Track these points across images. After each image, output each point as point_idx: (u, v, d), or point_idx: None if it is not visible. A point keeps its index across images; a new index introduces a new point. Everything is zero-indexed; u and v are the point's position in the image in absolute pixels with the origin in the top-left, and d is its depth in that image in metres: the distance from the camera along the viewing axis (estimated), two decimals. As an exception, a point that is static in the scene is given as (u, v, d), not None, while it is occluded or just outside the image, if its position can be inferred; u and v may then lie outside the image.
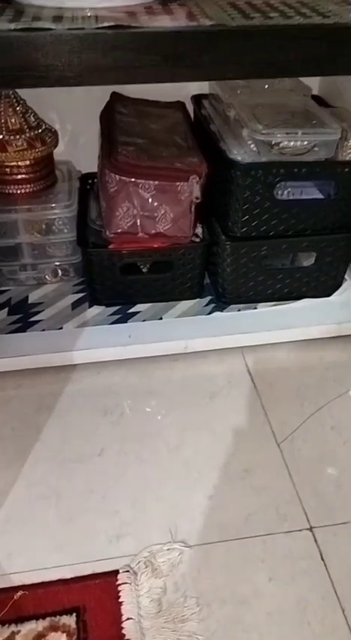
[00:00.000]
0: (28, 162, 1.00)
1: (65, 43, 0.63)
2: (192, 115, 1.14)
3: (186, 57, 0.66)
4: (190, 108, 1.15)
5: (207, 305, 1.07)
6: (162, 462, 0.84)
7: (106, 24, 0.64)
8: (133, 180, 0.91)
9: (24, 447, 0.85)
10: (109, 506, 0.78)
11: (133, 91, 1.14)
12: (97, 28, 0.64)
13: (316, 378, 0.98)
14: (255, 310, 1.06)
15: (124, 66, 0.65)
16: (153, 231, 0.97)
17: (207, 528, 0.76)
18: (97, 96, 1.09)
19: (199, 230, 1.05)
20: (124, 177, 0.90)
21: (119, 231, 0.96)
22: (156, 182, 0.91)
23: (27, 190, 1.03)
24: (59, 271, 1.11)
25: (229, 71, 0.68)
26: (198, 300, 1.08)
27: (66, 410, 0.91)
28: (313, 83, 1.17)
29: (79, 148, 1.17)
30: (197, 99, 1.13)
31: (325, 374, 0.99)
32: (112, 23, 0.64)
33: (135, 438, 0.87)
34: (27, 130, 0.98)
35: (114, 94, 1.11)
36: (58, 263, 1.10)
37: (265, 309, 1.06)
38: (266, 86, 1.08)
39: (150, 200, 0.93)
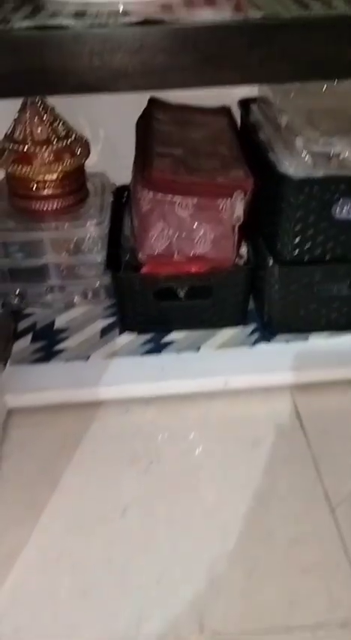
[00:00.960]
0: (55, 177, 0.91)
1: (84, 43, 0.52)
2: (239, 121, 1.03)
3: (231, 56, 0.55)
4: (237, 114, 1.03)
5: (251, 334, 0.95)
6: (195, 527, 0.72)
7: (133, 19, 0.54)
8: (168, 197, 0.80)
9: (39, 499, 0.76)
10: (130, 579, 0.67)
11: (174, 95, 1.03)
12: (123, 25, 0.53)
13: (377, 426, 0.84)
14: (306, 342, 0.93)
15: (155, 69, 0.54)
16: (191, 254, 0.86)
17: (244, 615, 0.64)
18: (135, 100, 0.99)
19: (243, 250, 0.93)
20: (158, 194, 0.80)
21: (153, 253, 0.86)
22: (195, 200, 0.80)
23: (54, 207, 0.94)
24: (89, 293, 1.02)
25: (283, 73, 0.56)
26: (241, 328, 0.96)
27: (88, 456, 0.81)
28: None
29: (114, 158, 1.07)
30: (245, 104, 1.02)
31: None
32: (139, 19, 0.53)
33: (165, 495, 0.76)
34: (55, 141, 0.89)
35: (152, 100, 1.00)
36: (87, 284, 1.00)
37: (318, 341, 0.93)
38: (324, 88, 0.95)
39: (188, 219, 0.82)
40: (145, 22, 0.54)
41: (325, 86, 0.95)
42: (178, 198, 0.80)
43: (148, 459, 0.81)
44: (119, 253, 0.95)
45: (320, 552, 0.69)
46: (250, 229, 0.94)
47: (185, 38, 0.54)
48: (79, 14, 0.57)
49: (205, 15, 0.56)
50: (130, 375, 0.89)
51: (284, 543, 0.70)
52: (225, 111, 1.02)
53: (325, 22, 0.55)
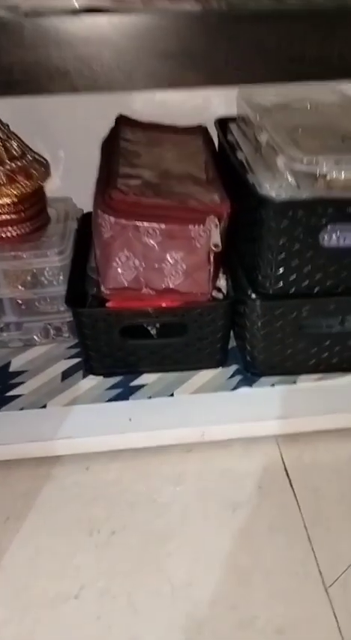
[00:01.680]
0: (9, 201, 0.81)
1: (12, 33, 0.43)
2: (216, 142, 0.94)
3: (192, 52, 0.46)
4: (215, 134, 0.95)
5: (232, 377, 0.84)
6: (162, 612, 0.60)
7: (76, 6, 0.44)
8: (132, 223, 0.70)
9: (-23, 579, 0.63)
10: None
11: (145, 113, 0.94)
12: (63, 12, 0.44)
13: (376, 484, 0.73)
14: (294, 385, 0.82)
15: (100, 68, 0.45)
16: (161, 287, 0.75)
17: None
18: (102, 118, 0.90)
19: (222, 283, 0.83)
20: (120, 220, 0.70)
21: (117, 286, 0.75)
22: (163, 225, 0.70)
23: (9, 234, 0.84)
24: (51, 330, 0.91)
25: (254, 72, 0.47)
26: (220, 370, 0.85)
27: (40, 523, 0.69)
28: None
29: (81, 182, 0.97)
30: (223, 123, 0.93)
31: None
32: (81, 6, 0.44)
33: (128, 571, 0.64)
34: (8, 161, 0.79)
35: (120, 118, 0.92)
36: (49, 321, 0.90)
37: (307, 385, 0.82)
38: (309, 105, 0.87)
39: (156, 248, 0.72)
40: (90, 11, 0.45)
41: (309, 104, 0.87)
42: (143, 224, 0.70)
43: (110, 528, 0.69)
44: (84, 286, 0.85)
45: (313, 646, 0.57)
46: (229, 259, 0.84)
47: (137, 30, 0.45)
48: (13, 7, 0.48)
49: (162, 4, 0.47)
50: (93, 426, 0.77)
51: (270, 633, 0.58)
52: (200, 130, 0.93)
53: (301, 13, 0.46)
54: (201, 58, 0.46)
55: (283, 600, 0.61)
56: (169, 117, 0.94)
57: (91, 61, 0.46)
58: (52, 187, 0.95)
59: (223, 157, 0.87)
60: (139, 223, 0.70)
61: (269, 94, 0.88)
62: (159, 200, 0.71)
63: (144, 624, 0.59)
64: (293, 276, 0.73)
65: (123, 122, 0.91)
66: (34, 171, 0.82)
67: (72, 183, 0.98)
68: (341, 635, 0.58)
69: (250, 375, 0.84)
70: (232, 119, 0.93)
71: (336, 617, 0.59)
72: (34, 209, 0.85)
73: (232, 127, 0.91)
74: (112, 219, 0.70)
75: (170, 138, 0.90)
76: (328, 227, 0.69)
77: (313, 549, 0.66)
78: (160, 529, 0.68)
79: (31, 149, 0.84)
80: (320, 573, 0.63)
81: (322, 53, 0.47)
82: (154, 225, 0.70)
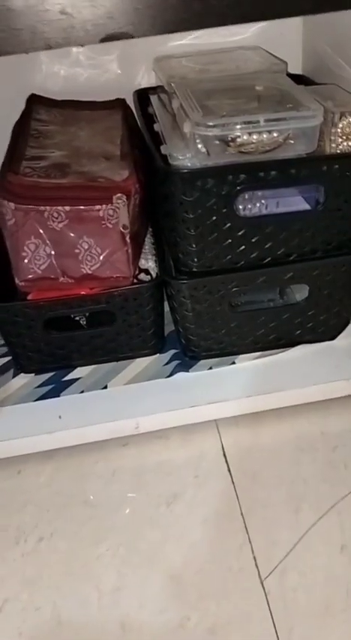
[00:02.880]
0: None
1: None
2: (137, 115, 0.88)
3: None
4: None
5: (168, 363, 0.80)
6: (88, 622, 0.56)
7: None
8: (33, 207, 0.65)
9: None
10: None
11: (61, 91, 0.89)
12: None
13: (318, 464, 0.69)
14: (232, 367, 0.78)
15: None
16: (79, 274, 0.71)
17: None
18: (16, 101, 0.85)
19: (150, 265, 0.78)
20: (20, 205, 0.64)
21: (32, 277, 0.70)
22: (67, 207, 0.65)
23: None
24: (-21, 330, 0.86)
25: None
26: (157, 356, 0.81)
27: None
28: (295, 58, 0.91)
29: None
30: (142, 94, 0.88)
31: (332, 457, 0.70)
32: None
33: (54, 580, 0.60)
34: None
35: (32, 97, 0.86)
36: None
37: (245, 364, 0.78)
38: (227, 68, 0.82)
39: (65, 233, 0.67)
40: None
41: (227, 68, 0.82)
42: (46, 208, 0.65)
43: (38, 535, 0.65)
44: (8, 282, 0.80)
45: (246, 646, 0.53)
46: (157, 238, 0.80)
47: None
48: None
49: None
50: (23, 427, 0.73)
51: (202, 635, 0.54)
52: (119, 104, 0.88)
53: None
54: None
55: (215, 598, 0.57)
56: (88, 92, 0.88)
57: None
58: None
59: (143, 130, 0.81)
60: (41, 207, 0.65)
61: (186, 60, 0.82)
62: (61, 180, 0.66)
63: (69, 634, 0.55)
64: (214, 251, 0.68)
65: (36, 101, 0.85)
66: None
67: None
68: (275, 629, 0.54)
69: (187, 359, 0.79)
70: (153, 89, 0.88)
71: (270, 611, 0.55)
72: None
73: (153, 98, 0.86)
74: (12, 205, 0.65)
75: (87, 114, 0.85)
76: (243, 195, 0.65)
77: (250, 540, 0.62)
78: (91, 532, 0.65)
79: None
80: (256, 565, 0.59)
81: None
82: (58, 207, 0.65)
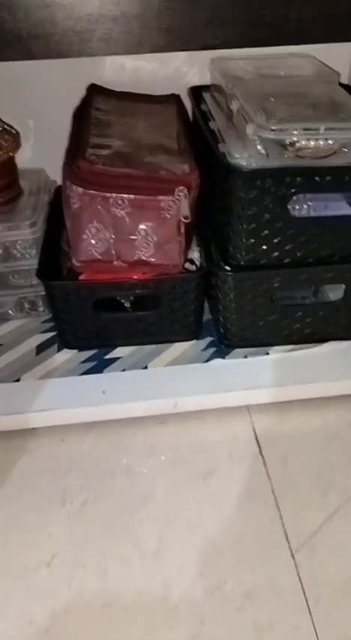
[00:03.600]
0: (-22, 173, 0.79)
1: None
2: (190, 111, 0.92)
3: (146, 17, 0.45)
4: (188, 102, 0.93)
5: (205, 349, 0.84)
6: (132, 580, 0.61)
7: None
8: (100, 193, 0.69)
9: None
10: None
11: (118, 82, 0.92)
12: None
13: (345, 452, 0.74)
14: (266, 357, 0.83)
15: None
16: (133, 259, 0.75)
17: None
18: (78, 87, 0.89)
19: (195, 255, 0.82)
20: (88, 190, 0.69)
21: (89, 259, 0.75)
22: (131, 196, 0.69)
23: (-21, 207, 0.82)
24: (25, 304, 0.90)
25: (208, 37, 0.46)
26: (194, 342, 0.85)
27: (15, 494, 0.70)
28: (342, 69, 0.94)
29: (53, 153, 0.95)
30: (196, 91, 0.92)
31: (358, 446, 0.75)
32: None
33: (99, 540, 0.65)
34: (-25, 132, 0.78)
35: (92, 87, 0.90)
36: (23, 295, 0.89)
37: (279, 356, 0.83)
38: (282, 73, 0.86)
39: (126, 219, 0.71)
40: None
41: (283, 71, 0.86)
42: (111, 195, 0.69)
43: (83, 498, 0.69)
44: (58, 259, 0.84)
45: (278, 609, 0.59)
46: (202, 231, 0.84)
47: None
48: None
49: None
50: (67, 399, 0.78)
51: (236, 598, 0.60)
52: (174, 99, 0.91)
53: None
54: (157, 22, 0.45)
55: (249, 566, 0.62)
56: (143, 86, 0.92)
57: (45, 25, 0.44)
58: (24, 158, 0.93)
59: (197, 126, 0.86)
60: (107, 194, 0.69)
61: (243, 63, 0.86)
62: (127, 170, 0.70)
63: (114, 591, 0.60)
64: (264, 247, 0.73)
65: (95, 91, 0.89)
66: (4, 142, 0.81)
67: (45, 154, 0.96)
68: (306, 598, 0.59)
69: (223, 347, 0.84)
70: (206, 87, 0.92)
71: (301, 582, 0.61)
72: (4, 181, 0.84)
73: (206, 96, 0.90)
74: (80, 189, 0.69)
75: (143, 107, 0.89)
76: (297, 197, 0.69)
77: (280, 516, 0.67)
78: (132, 498, 0.69)
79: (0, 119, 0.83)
80: (287, 540, 0.64)
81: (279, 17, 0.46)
82: (123, 195, 0.69)
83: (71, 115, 0.86)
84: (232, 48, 0.46)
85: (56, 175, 0.97)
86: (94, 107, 0.85)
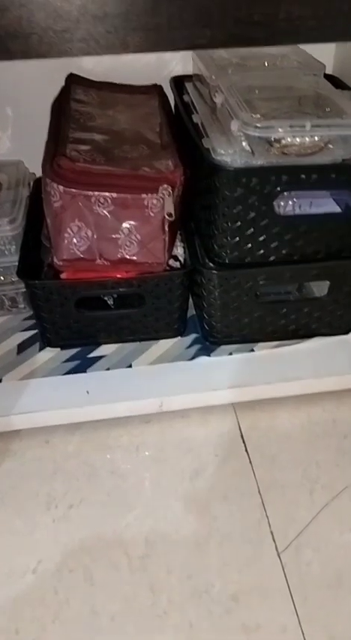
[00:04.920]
0: None
1: None
2: (172, 102, 0.90)
3: (130, 15, 0.43)
4: (170, 93, 0.91)
5: (190, 346, 0.84)
6: (119, 585, 0.61)
7: None
8: (82, 192, 0.67)
9: None
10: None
11: (97, 71, 0.90)
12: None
13: (331, 450, 0.74)
14: (251, 354, 0.82)
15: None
16: (116, 257, 0.73)
17: None
18: (58, 74, 0.86)
19: (179, 251, 0.81)
20: (70, 189, 0.67)
21: (71, 257, 0.73)
22: (114, 194, 0.68)
23: None
24: (5, 302, 0.88)
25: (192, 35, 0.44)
26: (179, 339, 0.85)
27: (-3, 499, 0.69)
28: (327, 59, 0.93)
29: (33, 144, 0.92)
30: (178, 81, 0.89)
31: (344, 444, 0.75)
32: None
33: (85, 546, 0.65)
34: None
35: (71, 76, 0.87)
36: (3, 292, 0.87)
37: (264, 352, 0.82)
38: (266, 63, 0.84)
39: (108, 218, 0.69)
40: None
41: (267, 63, 0.84)
42: (93, 193, 0.67)
43: (68, 502, 0.69)
44: (38, 255, 0.82)
45: (266, 609, 0.59)
46: (186, 227, 0.82)
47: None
48: None
49: None
50: (51, 400, 0.76)
51: (224, 599, 0.60)
52: (156, 90, 0.89)
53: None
54: (142, 21, 0.43)
55: (236, 567, 0.62)
56: (124, 75, 0.90)
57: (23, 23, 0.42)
58: (1, 149, 0.91)
59: (179, 118, 0.84)
60: (89, 192, 0.67)
61: (225, 52, 0.84)
62: (110, 168, 0.68)
63: (101, 597, 0.60)
64: (249, 245, 0.72)
65: (74, 81, 0.86)
66: (-21, 136, 0.78)
67: (23, 144, 0.94)
68: (292, 598, 0.60)
69: (208, 344, 0.83)
70: (189, 77, 0.89)
71: (288, 582, 0.61)
72: (-19, 175, 0.81)
73: (188, 85, 0.88)
74: (62, 188, 0.67)
75: (124, 98, 0.86)
76: (283, 195, 0.68)
77: (267, 516, 0.67)
78: (118, 500, 0.69)
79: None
80: (273, 539, 0.65)
81: (268, 16, 0.44)
82: (106, 194, 0.67)
83: (49, 104, 0.83)
84: (219, 47, 0.44)
85: (34, 167, 0.94)
86: (73, 98, 0.83)
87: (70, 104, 0.81)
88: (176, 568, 0.62)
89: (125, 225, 0.70)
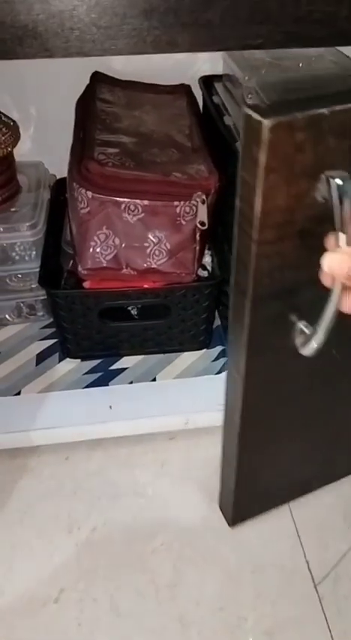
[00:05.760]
0: (-28, 169, 0.73)
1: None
2: (200, 102, 0.86)
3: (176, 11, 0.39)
4: (198, 93, 0.87)
5: (216, 359, 0.80)
6: (147, 615, 0.58)
7: None
8: (111, 198, 0.63)
9: None
10: None
11: (123, 70, 0.86)
12: None
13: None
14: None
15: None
16: (143, 267, 0.70)
17: None
18: (77, 72, 0.82)
19: (207, 260, 0.78)
20: (99, 195, 0.63)
21: (95, 266, 0.69)
22: (145, 202, 0.64)
23: (-25, 206, 0.76)
24: (24, 309, 0.85)
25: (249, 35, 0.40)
26: (204, 351, 0.81)
27: (16, 519, 0.66)
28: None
29: (53, 145, 0.88)
30: (207, 81, 0.85)
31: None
32: None
33: (110, 573, 0.61)
34: (-31, 125, 0.71)
35: (96, 74, 0.83)
36: (22, 299, 0.83)
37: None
38: (301, 64, 0.80)
39: (137, 226, 0.66)
40: None
41: (301, 63, 0.80)
42: (123, 200, 0.63)
43: (91, 524, 0.65)
44: (58, 260, 0.79)
45: (303, 649, 0.55)
46: (214, 233, 0.79)
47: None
48: None
49: None
50: (71, 414, 0.73)
51: (259, 635, 0.56)
52: (184, 89, 0.85)
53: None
54: (190, 17, 0.40)
55: (270, 599, 0.59)
56: (150, 74, 0.86)
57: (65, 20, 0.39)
58: (23, 150, 0.87)
59: (209, 120, 0.80)
60: (119, 199, 0.64)
61: (259, 51, 0.80)
62: (140, 173, 0.65)
63: (129, 629, 0.57)
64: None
65: (99, 80, 0.83)
66: (1, 136, 0.74)
67: (44, 144, 0.90)
68: (330, 632, 0.56)
69: (235, 356, 0.80)
70: (218, 77, 0.85)
71: (325, 616, 0.57)
72: (1, 178, 0.77)
73: (218, 86, 0.84)
74: (90, 193, 0.63)
75: (151, 98, 0.82)
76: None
77: (301, 543, 0.63)
78: (144, 523, 0.66)
79: (-3, 110, 0.76)
80: (309, 568, 0.61)
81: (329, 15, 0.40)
82: (136, 201, 0.64)
83: (72, 103, 0.80)
84: (274, 48, 0.41)
85: (54, 168, 0.91)
86: (99, 98, 0.79)
87: (96, 104, 0.77)
88: (206, 599, 0.59)
89: (155, 233, 0.67)
